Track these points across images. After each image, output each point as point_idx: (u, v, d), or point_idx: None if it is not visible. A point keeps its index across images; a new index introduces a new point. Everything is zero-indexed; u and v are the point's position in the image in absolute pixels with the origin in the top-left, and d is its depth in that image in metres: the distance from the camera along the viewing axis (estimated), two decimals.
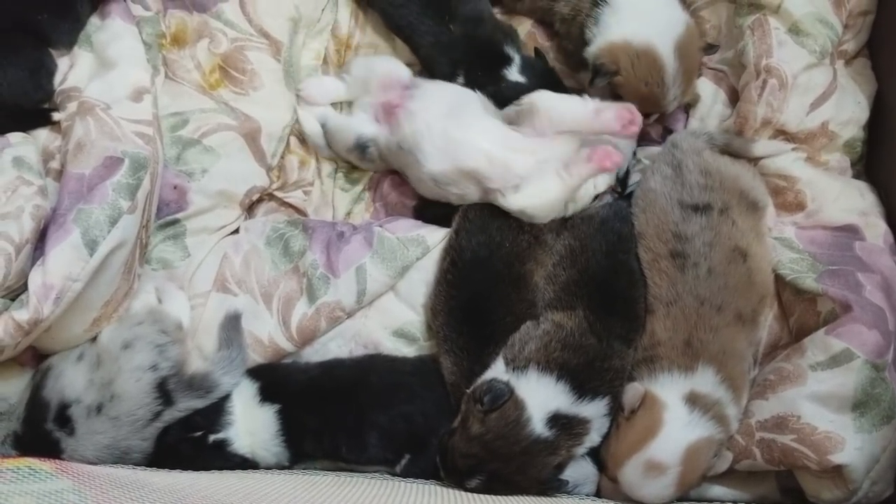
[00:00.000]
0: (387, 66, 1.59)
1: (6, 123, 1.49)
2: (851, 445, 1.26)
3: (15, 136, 1.48)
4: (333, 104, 1.67)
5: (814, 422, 1.29)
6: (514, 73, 1.56)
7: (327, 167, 1.70)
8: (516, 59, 1.57)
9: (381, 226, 1.55)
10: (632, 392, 1.33)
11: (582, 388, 1.33)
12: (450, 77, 1.57)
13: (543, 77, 1.56)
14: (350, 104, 1.65)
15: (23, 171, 1.42)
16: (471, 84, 1.55)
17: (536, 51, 1.63)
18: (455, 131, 1.45)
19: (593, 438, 1.35)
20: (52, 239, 1.30)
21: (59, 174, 1.43)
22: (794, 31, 1.50)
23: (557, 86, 1.54)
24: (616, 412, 1.36)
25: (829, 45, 1.50)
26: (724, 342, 1.35)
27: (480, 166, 1.43)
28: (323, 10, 1.67)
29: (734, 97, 1.58)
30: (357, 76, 1.60)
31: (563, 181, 1.42)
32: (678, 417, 1.30)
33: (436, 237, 1.52)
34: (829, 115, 1.50)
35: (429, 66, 1.62)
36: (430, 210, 1.58)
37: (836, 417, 1.28)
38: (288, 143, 1.66)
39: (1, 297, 1.32)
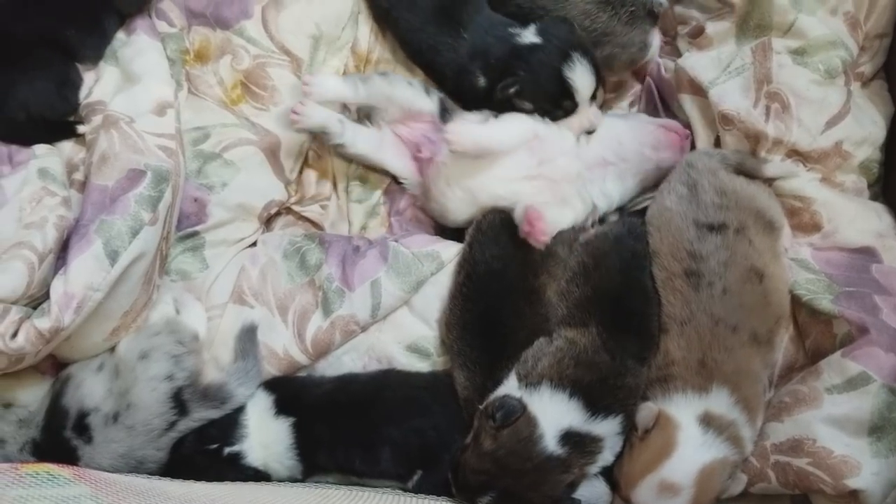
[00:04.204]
0: (407, 95, 1.59)
1: (32, 135, 1.52)
2: (868, 470, 1.25)
3: (41, 148, 1.51)
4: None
5: (830, 445, 1.28)
6: (529, 36, 1.54)
7: (342, 181, 1.72)
8: (529, 28, 1.55)
9: (396, 240, 1.56)
10: (646, 411, 1.32)
11: (595, 405, 1.33)
12: (473, 83, 1.57)
13: (562, 38, 1.52)
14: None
15: (48, 182, 1.45)
16: (492, 82, 1.54)
17: (563, 19, 1.60)
18: (474, 181, 1.49)
19: (606, 457, 1.34)
20: (74, 249, 1.32)
21: (83, 186, 1.46)
22: (799, 52, 1.51)
23: (576, 46, 1.51)
24: (629, 431, 1.35)
25: (838, 64, 1.50)
26: (739, 363, 1.34)
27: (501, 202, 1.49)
28: (343, 27, 1.69)
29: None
30: (377, 96, 1.60)
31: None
32: (692, 438, 1.29)
33: (450, 252, 1.53)
34: (843, 135, 1.50)
35: (454, 83, 1.61)
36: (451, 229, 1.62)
37: (853, 441, 1.27)
38: (306, 158, 1.69)
39: (23, 305, 1.34)
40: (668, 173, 1.56)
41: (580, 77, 1.50)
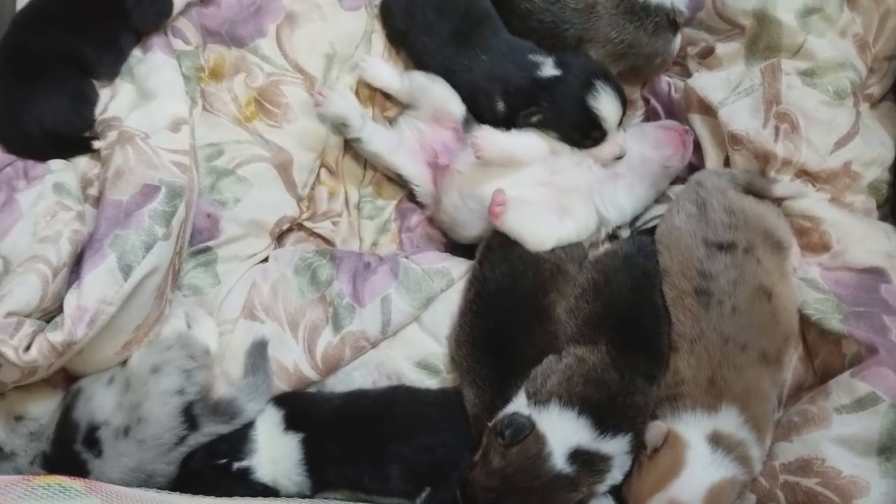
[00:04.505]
0: (443, 95, 1.61)
1: (48, 150, 1.53)
2: (877, 490, 1.24)
3: (56, 163, 1.52)
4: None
5: (839, 465, 1.27)
6: (549, 69, 1.54)
7: (354, 197, 1.73)
8: (548, 59, 1.55)
9: (406, 257, 1.57)
10: (654, 430, 1.32)
11: (604, 423, 1.33)
12: (491, 107, 1.58)
13: (583, 67, 1.53)
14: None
15: (63, 196, 1.46)
16: (511, 108, 1.55)
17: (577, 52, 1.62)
18: (486, 192, 1.49)
19: (615, 476, 1.34)
20: (88, 263, 1.33)
21: (97, 200, 1.47)
22: (808, 73, 1.52)
23: (597, 74, 1.52)
24: (638, 450, 1.35)
25: (847, 86, 1.51)
26: (749, 382, 1.35)
27: None
28: (357, 46, 1.71)
29: None
30: (415, 89, 1.63)
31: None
32: (701, 457, 1.29)
33: (461, 269, 1.54)
34: (852, 156, 1.51)
35: (469, 104, 1.62)
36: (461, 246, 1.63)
37: (862, 462, 1.27)
38: (318, 175, 1.70)
39: (36, 318, 1.35)
40: (675, 175, 1.59)
41: (606, 105, 1.50)
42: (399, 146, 1.66)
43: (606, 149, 1.53)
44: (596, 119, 1.50)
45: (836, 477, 1.27)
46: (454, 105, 1.61)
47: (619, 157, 1.54)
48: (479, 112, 1.61)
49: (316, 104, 1.59)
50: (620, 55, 1.64)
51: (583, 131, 1.52)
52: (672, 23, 1.65)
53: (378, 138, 1.65)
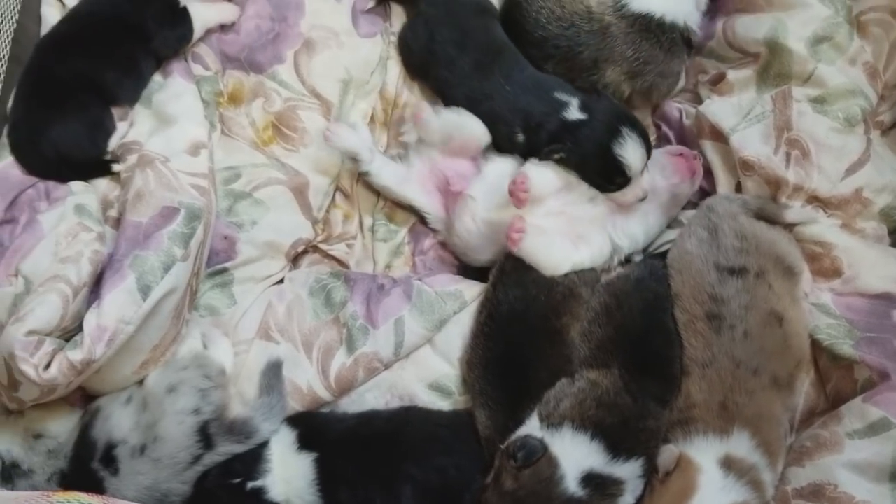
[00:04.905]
0: (475, 131, 1.59)
1: (70, 173, 1.56)
2: None
3: (77, 185, 1.55)
4: None
5: (851, 491, 1.27)
6: (574, 112, 1.52)
7: (368, 220, 1.75)
8: (573, 100, 1.53)
9: (420, 279, 1.58)
10: (667, 454, 1.32)
11: (616, 447, 1.33)
12: (511, 138, 1.58)
13: (608, 112, 1.50)
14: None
15: (83, 217, 1.49)
16: (531, 141, 1.54)
17: (597, 91, 1.59)
18: (499, 217, 1.50)
19: (627, 500, 1.34)
20: (108, 283, 1.35)
21: (117, 222, 1.50)
22: (819, 100, 1.53)
23: (623, 119, 1.49)
24: (650, 474, 1.35)
25: (858, 113, 1.52)
26: (760, 406, 1.35)
27: None
28: (372, 72, 1.74)
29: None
30: (447, 128, 1.61)
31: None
32: (713, 481, 1.28)
33: (473, 292, 1.55)
34: (863, 182, 1.52)
35: (489, 131, 1.61)
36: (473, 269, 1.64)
37: (874, 487, 1.27)
38: (333, 198, 1.73)
39: (56, 337, 1.36)
40: (686, 200, 1.61)
41: (631, 152, 1.46)
42: (408, 177, 1.67)
43: (629, 193, 1.50)
44: (621, 166, 1.47)
45: (848, 502, 1.26)
46: (484, 139, 1.60)
47: (641, 200, 1.53)
48: (498, 140, 1.61)
49: (325, 139, 1.60)
50: (637, 73, 1.66)
51: (607, 177, 1.50)
52: (686, 41, 1.67)
53: (386, 172, 1.66)
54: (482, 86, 1.57)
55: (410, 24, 1.75)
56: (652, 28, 1.63)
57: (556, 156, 1.49)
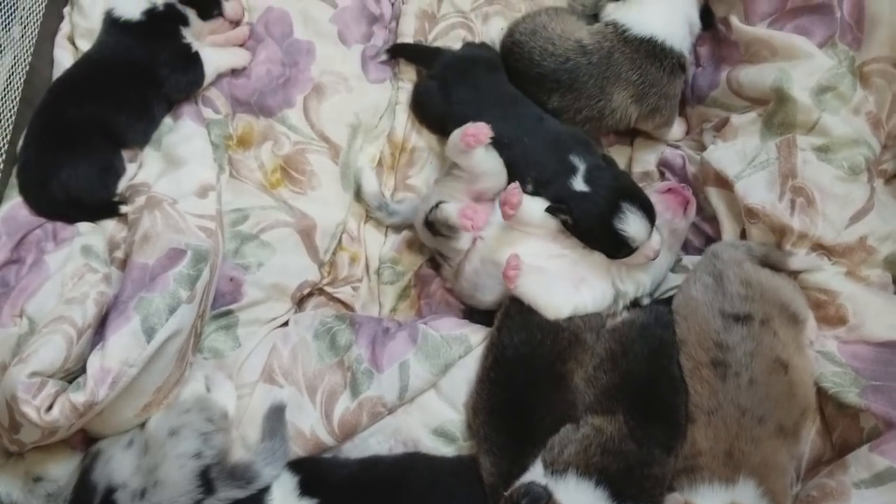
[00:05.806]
0: (503, 174, 1.58)
1: (77, 214, 1.57)
2: None
3: (84, 226, 1.56)
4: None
5: None
6: (578, 183, 1.51)
7: (375, 262, 1.76)
8: (581, 167, 1.53)
9: (425, 323, 1.58)
10: (672, 502, 1.31)
11: (621, 494, 1.32)
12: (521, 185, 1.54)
13: (609, 187, 1.49)
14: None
15: (90, 259, 1.49)
16: (539, 194, 1.52)
17: (605, 157, 1.59)
18: (503, 258, 1.48)
19: None
20: (112, 325, 1.35)
21: (123, 263, 1.50)
22: (823, 149, 1.54)
23: (623, 194, 1.48)
24: None
25: (861, 162, 1.54)
26: (766, 454, 1.34)
27: None
28: (381, 117, 1.77)
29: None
30: (477, 165, 1.57)
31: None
32: None
33: (479, 336, 1.55)
34: (867, 230, 1.53)
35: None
36: (479, 313, 1.64)
37: None
38: (340, 241, 1.73)
39: (59, 378, 1.36)
40: (686, 233, 1.64)
41: (633, 227, 1.46)
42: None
43: (640, 257, 1.50)
44: (624, 240, 1.47)
45: None
46: (504, 181, 1.58)
47: (653, 259, 1.52)
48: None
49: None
50: (643, 95, 1.70)
51: (611, 250, 1.50)
52: (681, 66, 1.72)
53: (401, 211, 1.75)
54: (499, 135, 1.55)
55: (426, 87, 1.77)
56: (655, 52, 1.68)
57: (561, 217, 1.49)
